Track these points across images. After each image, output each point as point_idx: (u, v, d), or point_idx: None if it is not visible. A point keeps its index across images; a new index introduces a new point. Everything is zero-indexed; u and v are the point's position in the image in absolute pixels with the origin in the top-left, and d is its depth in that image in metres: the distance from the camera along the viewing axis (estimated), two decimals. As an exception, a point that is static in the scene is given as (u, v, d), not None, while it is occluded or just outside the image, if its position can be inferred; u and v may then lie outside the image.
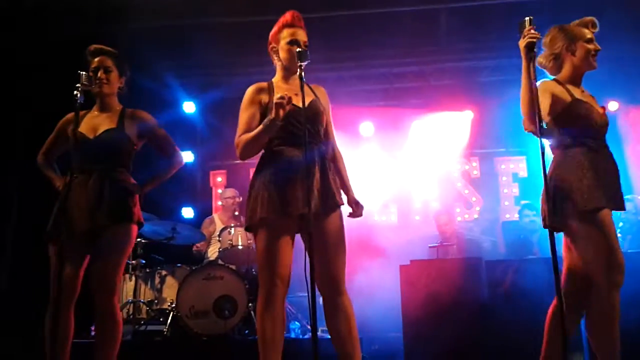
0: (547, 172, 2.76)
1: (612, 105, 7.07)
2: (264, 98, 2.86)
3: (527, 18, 2.71)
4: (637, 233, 5.49)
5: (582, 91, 3.02)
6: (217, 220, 6.04)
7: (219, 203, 6.71)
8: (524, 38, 2.74)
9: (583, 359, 4.10)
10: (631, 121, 6.70)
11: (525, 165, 7.37)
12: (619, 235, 5.43)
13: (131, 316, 4.98)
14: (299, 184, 2.71)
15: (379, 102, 7.57)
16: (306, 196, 2.56)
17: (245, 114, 2.85)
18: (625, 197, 5.19)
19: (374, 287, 5.46)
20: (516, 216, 6.90)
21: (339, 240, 2.81)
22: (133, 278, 5.16)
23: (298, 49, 2.76)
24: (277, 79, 2.97)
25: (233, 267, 5.15)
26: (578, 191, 2.78)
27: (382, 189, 7.28)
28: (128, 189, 3.21)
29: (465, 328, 4.34)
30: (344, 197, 2.92)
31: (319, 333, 4.96)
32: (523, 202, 6.62)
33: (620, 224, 5.53)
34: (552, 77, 3.06)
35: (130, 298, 5.08)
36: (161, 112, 6.88)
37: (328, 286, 2.78)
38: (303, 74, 2.68)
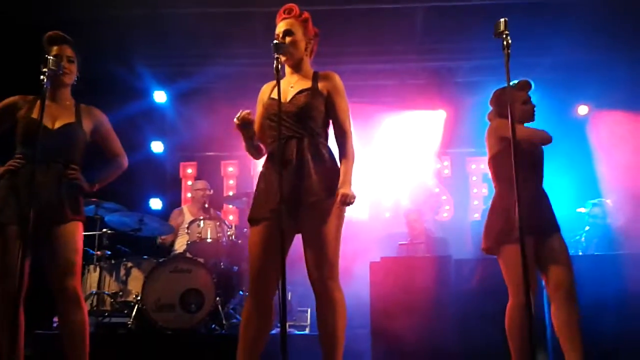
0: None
1: (582, 110, 7.19)
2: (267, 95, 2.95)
3: (502, 20, 2.71)
4: (604, 237, 5.57)
5: None
6: (186, 212, 5.95)
7: (189, 195, 6.62)
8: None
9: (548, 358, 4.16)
10: (600, 125, 6.81)
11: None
12: (582, 240, 5.53)
13: (95, 308, 4.87)
14: (274, 182, 2.69)
15: (353, 98, 7.51)
16: (279, 192, 2.54)
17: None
18: (593, 201, 5.29)
19: (343, 282, 5.43)
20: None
21: (322, 233, 2.72)
22: (97, 269, 5.05)
23: (273, 42, 2.73)
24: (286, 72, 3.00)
25: (201, 260, 5.08)
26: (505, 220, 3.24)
27: (354, 185, 7.25)
28: (81, 187, 3.14)
29: (433, 326, 4.36)
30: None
31: (287, 329, 5.01)
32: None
33: (587, 228, 5.62)
34: None
35: (94, 289, 4.98)
36: (131, 101, 6.80)
37: (312, 277, 2.75)
38: (279, 66, 2.65)
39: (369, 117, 7.30)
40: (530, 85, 3.43)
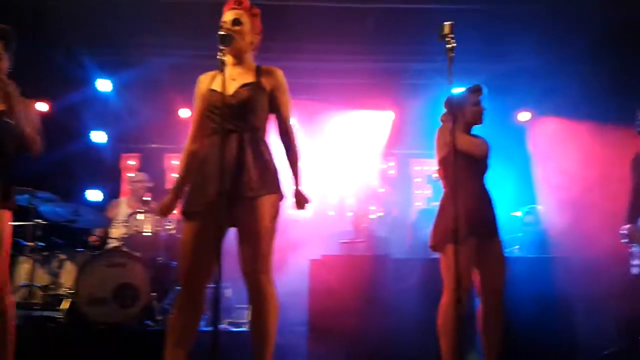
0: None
1: (524, 116, 7.37)
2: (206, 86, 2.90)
3: (447, 23, 2.74)
4: (536, 242, 5.74)
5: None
6: (124, 204, 5.81)
7: (128, 187, 6.47)
8: None
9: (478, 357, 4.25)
10: (541, 131, 7.00)
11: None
12: (516, 249, 5.69)
13: (25, 301, 4.70)
14: (212, 175, 2.66)
15: (302, 95, 7.52)
16: (215, 186, 2.53)
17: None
18: (526, 208, 5.45)
19: (284, 279, 5.42)
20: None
21: (258, 227, 2.71)
22: (29, 261, 4.88)
23: (219, 32, 2.67)
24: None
25: (138, 254, 4.96)
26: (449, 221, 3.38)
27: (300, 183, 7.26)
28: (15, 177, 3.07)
29: (369, 324, 4.40)
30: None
31: (224, 325, 4.96)
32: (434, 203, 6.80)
33: (520, 234, 5.78)
34: None
35: (25, 281, 4.80)
36: (73, 89, 6.61)
37: (245, 271, 2.74)
38: (224, 58, 2.61)
39: (317, 114, 7.31)
40: (481, 90, 3.61)
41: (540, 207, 5.92)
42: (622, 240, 3.87)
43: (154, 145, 7.42)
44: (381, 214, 7.44)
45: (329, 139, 7.40)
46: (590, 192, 5.51)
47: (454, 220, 3.22)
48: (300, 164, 2.94)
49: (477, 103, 3.59)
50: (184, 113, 7.05)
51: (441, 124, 3.64)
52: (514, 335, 3.59)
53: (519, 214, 6.03)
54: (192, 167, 2.87)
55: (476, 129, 3.67)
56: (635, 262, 3.83)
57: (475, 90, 3.61)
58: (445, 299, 3.42)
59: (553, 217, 5.94)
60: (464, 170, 3.44)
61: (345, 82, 7.49)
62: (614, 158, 5.18)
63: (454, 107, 3.56)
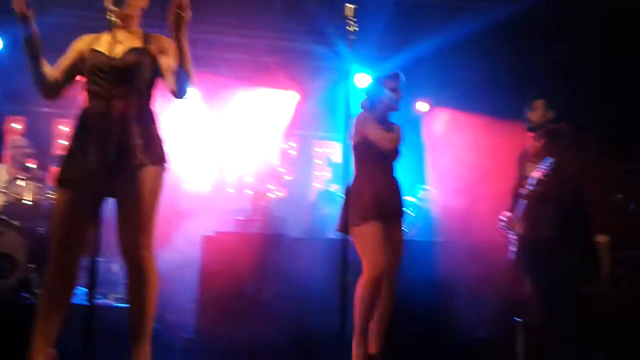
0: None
1: (422, 106, 7.58)
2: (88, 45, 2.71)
3: (350, 5, 2.74)
4: (425, 224, 5.94)
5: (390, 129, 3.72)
6: (3, 171, 5.41)
7: (9, 152, 6.03)
8: None
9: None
10: (436, 121, 7.25)
11: (340, 151, 7.63)
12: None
13: None
14: (93, 141, 2.52)
15: (206, 69, 7.32)
16: (95, 152, 2.42)
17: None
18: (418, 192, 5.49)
19: (178, 255, 5.30)
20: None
21: (139, 199, 2.59)
22: None
23: None
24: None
25: (17, 223, 4.64)
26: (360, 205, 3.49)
27: (199, 157, 7.11)
28: None
29: (260, 301, 4.39)
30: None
31: (108, 301, 4.77)
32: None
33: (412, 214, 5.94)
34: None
35: None
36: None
37: (124, 245, 2.62)
38: (113, 18, 2.48)
39: (221, 89, 7.16)
40: (399, 77, 3.74)
41: (431, 192, 6.12)
42: (500, 226, 4.07)
43: (42, 109, 6.95)
44: (280, 193, 7.42)
45: (231, 115, 7.28)
46: (479, 181, 5.76)
47: (372, 201, 3.46)
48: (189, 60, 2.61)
49: (395, 89, 3.71)
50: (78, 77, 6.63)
51: (362, 110, 3.74)
52: (396, 317, 3.68)
53: (411, 199, 6.21)
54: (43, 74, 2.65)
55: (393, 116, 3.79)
56: (511, 247, 4.05)
57: (394, 77, 3.74)
58: (364, 278, 3.45)
59: (443, 203, 6.18)
60: (375, 157, 3.60)
61: (251, 58, 7.36)
62: (504, 150, 5.47)
63: (372, 93, 3.71)
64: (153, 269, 2.64)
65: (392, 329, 3.57)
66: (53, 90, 2.73)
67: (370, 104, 3.75)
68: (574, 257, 3.75)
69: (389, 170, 3.70)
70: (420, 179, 6.74)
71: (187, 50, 2.57)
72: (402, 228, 3.70)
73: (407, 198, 6.27)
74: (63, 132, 6.97)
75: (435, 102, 7.47)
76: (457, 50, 6.70)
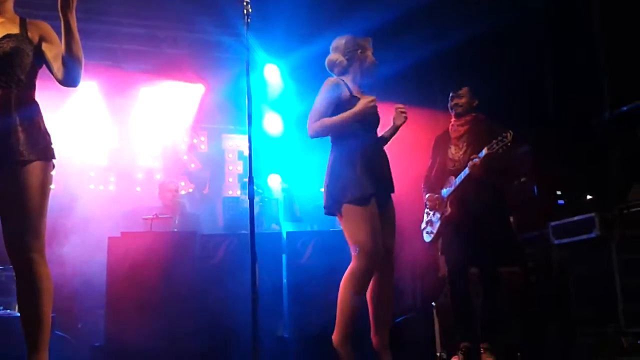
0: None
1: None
2: None
3: None
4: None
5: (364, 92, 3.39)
6: None
7: None
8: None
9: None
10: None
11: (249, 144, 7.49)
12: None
13: None
14: None
15: (107, 61, 6.95)
16: None
17: None
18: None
19: (83, 259, 5.01)
20: (238, 192, 7.04)
21: (26, 198, 2.41)
22: None
23: None
24: None
25: None
26: (349, 181, 3.12)
27: (101, 156, 6.76)
28: None
29: (170, 302, 4.21)
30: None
31: (7, 311, 4.42)
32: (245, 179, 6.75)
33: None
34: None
35: None
36: None
37: (11, 250, 2.43)
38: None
39: (122, 83, 6.82)
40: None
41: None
42: (426, 210, 4.15)
43: None
44: (191, 189, 7.20)
45: (135, 109, 6.96)
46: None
47: (364, 177, 3.06)
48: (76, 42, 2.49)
49: (372, 54, 3.42)
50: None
51: (331, 71, 3.40)
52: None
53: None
54: None
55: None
56: (429, 229, 4.12)
57: (367, 39, 3.43)
58: (357, 264, 3.07)
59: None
60: (360, 127, 3.23)
61: (154, 50, 7.07)
62: (413, 138, 5.55)
63: (348, 50, 3.34)
64: (45, 273, 2.46)
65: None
66: None
67: (346, 65, 3.36)
68: (496, 237, 3.86)
69: (375, 140, 3.34)
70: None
71: (76, 33, 2.42)
72: (392, 202, 3.31)
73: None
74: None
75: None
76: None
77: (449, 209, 3.97)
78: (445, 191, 4.03)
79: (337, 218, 3.22)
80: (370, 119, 3.28)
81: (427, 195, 4.15)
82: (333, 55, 3.40)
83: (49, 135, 2.55)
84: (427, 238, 4.16)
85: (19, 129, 2.42)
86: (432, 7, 5.94)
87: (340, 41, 3.40)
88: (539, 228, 4.84)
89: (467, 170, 3.85)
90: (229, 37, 7.05)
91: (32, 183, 2.42)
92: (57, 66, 2.54)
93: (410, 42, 6.02)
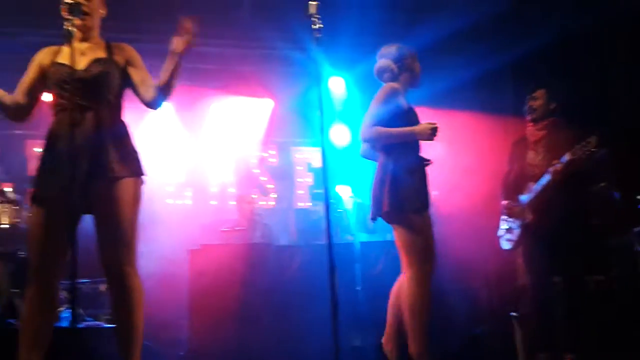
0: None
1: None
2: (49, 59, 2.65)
3: (313, 2, 2.71)
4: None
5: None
6: (-22, 196, 5.26)
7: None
8: None
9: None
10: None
11: (320, 156, 7.58)
12: None
13: None
14: (65, 156, 2.42)
15: (180, 80, 7.21)
16: (68, 167, 2.32)
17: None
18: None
19: (164, 271, 5.20)
20: (309, 204, 7.13)
21: (118, 213, 2.52)
22: None
23: (66, 0, 2.46)
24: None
25: (-4, 248, 4.52)
26: (413, 191, 3.17)
27: (178, 171, 7.01)
28: None
29: (250, 313, 4.32)
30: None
31: (100, 322, 4.65)
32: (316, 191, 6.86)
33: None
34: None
35: None
36: None
37: (105, 262, 2.55)
38: (74, 30, 2.46)
39: (194, 101, 7.07)
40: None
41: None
42: (502, 217, 4.07)
43: (13, 131, 6.79)
44: (263, 202, 7.35)
45: (208, 126, 7.19)
46: (466, 178, 5.75)
47: (422, 190, 3.15)
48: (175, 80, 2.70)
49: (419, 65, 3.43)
50: (46, 97, 6.50)
51: (380, 78, 3.43)
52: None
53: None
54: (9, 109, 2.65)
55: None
56: (509, 236, 4.04)
57: (413, 51, 3.46)
58: (413, 273, 3.14)
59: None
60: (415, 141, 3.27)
61: (223, 68, 7.29)
62: (488, 145, 5.49)
63: (400, 58, 3.37)
64: (137, 285, 2.57)
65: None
66: (20, 112, 2.67)
67: (397, 73, 3.37)
68: (579, 244, 3.76)
69: (418, 158, 3.32)
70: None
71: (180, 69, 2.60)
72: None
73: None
74: (36, 153, 6.81)
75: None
76: (432, 48, 6.70)
77: (529, 216, 3.88)
78: (525, 197, 3.94)
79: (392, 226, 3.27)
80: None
81: (505, 202, 4.08)
82: (383, 62, 3.41)
83: (138, 153, 2.67)
84: (507, 246, 4.07)
85: (111, 147, 2.54)
86: (504, 15, 5.86)
87: (390, 48, 3.43)
88: (622, 234, 4.67)
89: (548, 176, 3.75)
90: (296, 52, 7.18)
91: (124, 199, 2.53)
92: (144, 89, 2.67)
93: (482, 49, 5.97)
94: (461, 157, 5.94)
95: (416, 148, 3.31)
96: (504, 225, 4.11)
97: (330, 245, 2.73)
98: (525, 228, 3.90)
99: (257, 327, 4.31)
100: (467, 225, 5.17)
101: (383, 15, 6.23)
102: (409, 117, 3.27)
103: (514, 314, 4.26)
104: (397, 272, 4.43)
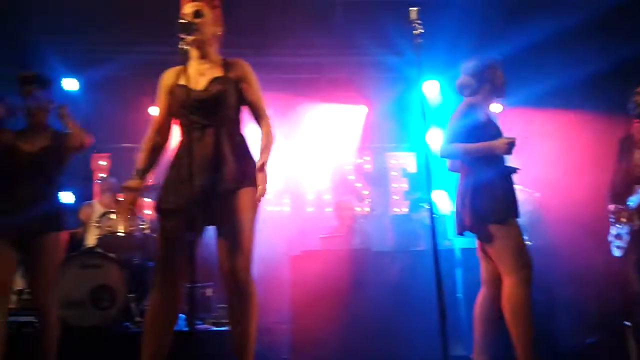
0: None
1: (497, 108, 7.41)
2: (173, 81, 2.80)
3: (413, 9, 2.72)
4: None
5: None
6: (97, 205, 5.66)
7: (100, 189, 6.30)
8: None
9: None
10: (510, 122, 7.04)
11: (415, 161, 7.56)
12: None
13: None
14: (188, 170, 2.56)
15: (273, 90, 7.41)
16: (191, 182, 2.47)
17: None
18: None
19: (264, 277, 5.35)
20: (405, 209, 7.09)
21: (237, 223, 2.63)
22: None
23: (179, 21, 2.61)
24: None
25: (113, 255, 4.83)
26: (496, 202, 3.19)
27: (276, 179, 7.20)
28: None
29: (352, 319, 4.35)
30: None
31: (206, 325, 4.86)
32: (413, 195, 6.81)
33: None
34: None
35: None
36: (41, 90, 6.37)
37: (224, 269, 2.67)
38: (185, 47, 2.57)
39: (290, 110, 7.24)
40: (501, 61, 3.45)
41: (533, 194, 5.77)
42: (610, 220, 3.89)
43: (124, 145, 7.24)
44: (359, 208, 7.40)
45: (303, 134, 7.34)
46: (570, 179, 5.53)
47: (509, 198, 3.17)
48: (271, 148, 2.81)
49: (502, 74, 3.42)
50: (154, 111, 6.87)
51: (461, 92, 3.44)
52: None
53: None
54: (154, 159, 2.83)
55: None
56: (618, 242, 3.85)
57: (497, 59, 3.45)
58: (512, 280, 3.13)
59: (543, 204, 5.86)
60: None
61: (318, 76, 7.43)
62: (593, 144, 5.24)
63: (480, 71, 3.37)
64: (253, 291, 2.68)
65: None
66: (164, 136, 2.86)
67: (476, 87, 3.38)
68: None
69: (503, 162, 3.31)
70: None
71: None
72: None
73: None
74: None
75: (509, 103, 7.28)
76: (530, 49, 6.51)
77: (637, 222, 3.68)
78: (633, 200, 3.73)
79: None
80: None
81: (612, 207, 3.88)
82: (462, 79, 3.43)
83: (256, 163, 2.76)
84: (617, 252, 3.88)
85: (231, 160, 2.66)
86: (609, 14, 5.60)
87: (468, 64, 3.44)
88: None
89: None
90: (390, 57, 7.19)
91: (244, 209, 2.64)
92: (251, 105, 2.83)
93: (584, 49, 5.73)
94: (569, 157, 5.75)
95: (500, 159, 3.28)
96: (613, 231, 3.92)
97: (435, 254, 2.71)
98: (634, 234, 3.70)
99: (359, 333, 4.33)
100: (576, 228, 4.97)
101: (480, 15, 6.13)
102: (489, 131, 3.28)
103: (627, 323, 4.04)
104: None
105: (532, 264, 3.16)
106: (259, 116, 2.86)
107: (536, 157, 6.16)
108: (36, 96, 3.39)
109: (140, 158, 2.82)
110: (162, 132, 2.84)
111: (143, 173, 2.80)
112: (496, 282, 3.25)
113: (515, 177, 3.34)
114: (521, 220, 3.27)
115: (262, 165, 2.68)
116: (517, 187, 3.35)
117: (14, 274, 3.37)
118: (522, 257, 3.16)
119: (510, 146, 3.20)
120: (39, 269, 3.29)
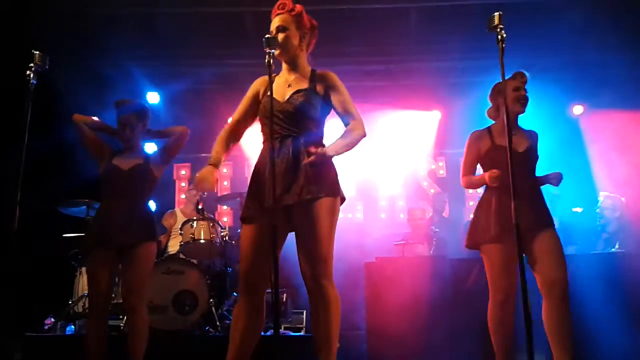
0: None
1: (577, 109, 7.19)
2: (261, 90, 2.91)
3: (496, 14, 2.69)
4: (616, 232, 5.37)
5: (513, 134, 3.34)
6: (179, 213, 5.90)
7: (182, 196, 6.56)
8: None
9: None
10: (594, 124, 6.80)
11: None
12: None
13: (86, 310, 4.80)
14: (270, 180, 2.64)
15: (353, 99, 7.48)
16: (272, 190, 2.53)
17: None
18: (605, 194, 4.99)
19: (338, 283, 5.39)
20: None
21: (316, 230, 2.67)
22: (90, 271, 4.98)
23: (266, 35, 2.69)
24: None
25: (194, 261, 5.02)
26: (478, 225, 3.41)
27: (348, 186, 7.25)
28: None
29: (428, 326, 4.32)
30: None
31: (281, 330, 4.96)
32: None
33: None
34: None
35: (86, 292, 4.90)
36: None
37: (306, 276, 2.72)
38: (271, 61, 2.62)
39: (365, 117, 7.25)
40: (523, 75, 3.45)
41: (618, 199, 5.50)
42: None
43: (204, 155, 7.51)
44: (431, 214, 7.32)
45: (377, 141, 7.36)
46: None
47: (492, 221, 3.27)
48: (349, 144, 2.79)
49: (519, 88, 3.42)
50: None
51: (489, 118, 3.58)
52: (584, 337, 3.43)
53: (579, 210, 5.81)
54: (229, 146, 2.92)
55: (525, 121, 3.54)
56: None
57: (515, 76, 3.45)
58: (490, 301, 3.40)
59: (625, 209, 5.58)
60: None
61: (389, 84, 7.43)
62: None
63: (496, 95, 3.49)
64: (335, 296, 2.71)
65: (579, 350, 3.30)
66: (237, 135, 2.96)
67: (493, 113, 3.55)
68: None
69: (522, 176, 3.22)
70: (588, 188, 6.28)
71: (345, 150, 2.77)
72: (555, 234, 3.31)
73: (576, 209, 5.93)
74: (225, 174, 7.47)
75: (591, 105, 7.04)
76: (609, 48, 6.27)
77: None
78: None
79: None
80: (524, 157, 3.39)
81: None
82: (489, 109, 3.60)
83: (336, 173, 2.81)
84: None
85: (308, 170, 2.71)
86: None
87: (492, 90, 3.55)
88: None
89: None
90: (463, 62, 7.10)
91: (322, 217, 2.69)
92: (340, 112, 2.87)
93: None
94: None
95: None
96: None
97: (521, 265, 2.63)
98: None
99: (435, 341, 4.30)
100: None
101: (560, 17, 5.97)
102: (494, 156, 3.39)
103: None
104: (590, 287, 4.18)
105: (506, 293, 3.31)
106: (351, 120, 2.87)
107: (626, 158, 5.94)
108: (130, 120, 3.66)
109: (217, 146, 2.93)
110: (233, 133, 2.94)
111: (215, 164, 2.88)
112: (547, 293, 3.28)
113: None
114: (610, 227, 3.16)
115: (326, 151, 2.68)
116: (603, 194, 3.26)
117: (113, 285, 3.64)
118: (497, 284, 3.34)
119: (492, 180, 3.30)
120: (134, 276, 3.48)
